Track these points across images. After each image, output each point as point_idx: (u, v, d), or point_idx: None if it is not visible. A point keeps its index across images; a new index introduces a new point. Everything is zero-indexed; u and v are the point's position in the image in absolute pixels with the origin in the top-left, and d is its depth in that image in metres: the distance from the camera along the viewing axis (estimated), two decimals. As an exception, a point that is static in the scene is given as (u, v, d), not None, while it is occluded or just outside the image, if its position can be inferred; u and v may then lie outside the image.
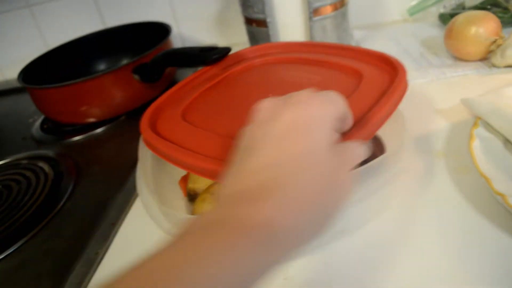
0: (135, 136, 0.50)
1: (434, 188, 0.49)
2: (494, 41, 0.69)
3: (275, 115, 0.29)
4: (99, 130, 0.81)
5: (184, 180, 0.53)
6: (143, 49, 0.80)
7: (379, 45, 0.88)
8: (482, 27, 0.69)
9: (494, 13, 0.74)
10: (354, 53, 0.54)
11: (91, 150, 0.76)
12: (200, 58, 0.63)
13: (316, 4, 0.72)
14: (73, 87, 0.76)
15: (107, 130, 0.81)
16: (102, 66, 1.02)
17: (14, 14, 1.12)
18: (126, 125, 0.81)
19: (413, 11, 0.96)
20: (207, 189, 0.49)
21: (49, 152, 0.75)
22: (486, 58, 0.72)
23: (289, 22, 0.75)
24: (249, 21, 0.79)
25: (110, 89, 0.79)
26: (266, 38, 0.77)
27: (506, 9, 0.83)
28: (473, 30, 0.70)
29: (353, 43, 0.90)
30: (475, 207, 0.45)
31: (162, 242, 0.23)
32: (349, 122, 0.34)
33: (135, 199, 0.58)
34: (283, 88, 0.51)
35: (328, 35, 0.76)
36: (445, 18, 0.89)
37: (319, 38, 0.75)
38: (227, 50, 0.62)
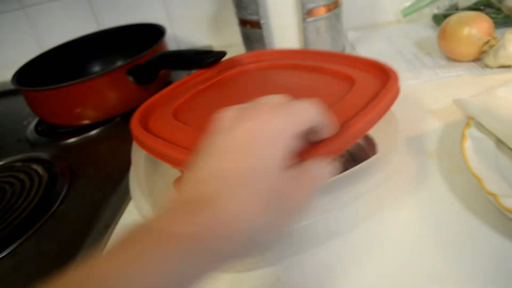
0: (130, 138, 0.50)
1: (427, 188, 0.49)
2: (487, 42, 0.69)
3: (230, 128, 0.29)
4: (93, 132, 0.81)
5: (179, 181, 0.53)
6: (138, 51, 0.80)
7: (373, 46, 0.89)
8: (475, 28, 0.70)
9: (487, 14, 0.74)
10: (348, 60, 0.54)
11: (86, 152, 0.76)
12: (195, 61, 0.63)
13: (310, 6, 0.72)
14: (68, 89, 0.75)
15: (102, 132, 0.81)
16: (96, 68, 1.02)
17: (9, 16, 1.12)
18: (120, 127, 0.81)
19: (407, 12, 0.96)
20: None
21: (44, 154, 0.75)
22: (479, 58, 0.73)
23: (282, 23, 0.75)
24: (243, 23, 0.80)
25: (104, 91, 0.79)
26: (260, 39, 0.77)
27: (499, 10, 0.83)
28: (466, 31, 0.70)
29: (347, 44, 0.90)
30: (467, 207, 0.45)
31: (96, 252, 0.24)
32: (327, 130, 0.34)
33: (129, 201, 0.58)
34: (275, 93, 0.51)
35: (322, 36, 0.76)
36: (439, 19, 0.89)
37: (313, 39, 0.76)
38: (222, 54, 0.62)
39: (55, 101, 0.78)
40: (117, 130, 0.80)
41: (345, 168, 0.42)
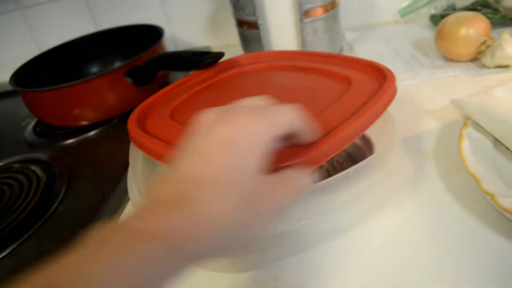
0: (128, 138, 0.50)
1: (424, 188, 0.49)
2: (484, 42, 0.69)
3: (208, 130, 0.29)
4: (91, 133, 0.81)
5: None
6: (136, 52, 0.80)
7: (370, 47, 0.89)
8: (472, 28, 0.70)
9: (484, 14, 0.74)
10: (345, 61, 0.54)
11: (84, 153, 0.76)
12: (193, 62, 0.63)
13: (307, 6, 0.72)
14: (66, 90, 0.75)
15: (100, 133, 0.81)
16: (94, 69, 1.02)
17: (6, 17, 1.12)
18: (118, 128, 0.81)
19: (404, 13, 0.96)
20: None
21: (42, 156, 0.75)
22: (476, 58, 0.73)
23: (280, 24, 0.75)
24: (240, 24, 0.80)
25: (102, 92, 0.79)
26: (258, 40, 0.77)
27: (496, 10, 0.84)
28: (463, 31, 0.70)
29: (345, 45, 0.90)
30: (465, 207, 0.45)
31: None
32: (308, 136, 0.34)
33: (127, 202, 0.58)
34: (272, 93, 0.51)
35: (319, 37, 0.76)
36: (436, 19, 0.89)
37: (310, 40, 0.76)
38: (220, 55, 0.62)
39: (53, 102, 0.78)
40: (115, 131, 0.80)
41: (343, 168, 0.42)
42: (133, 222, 0.25)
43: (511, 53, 0.66)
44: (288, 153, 0.34)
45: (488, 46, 0.69)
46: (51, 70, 0.93)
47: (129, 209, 0.57)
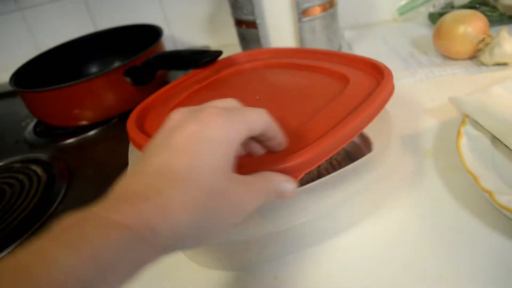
0: (127, 138, 0.51)
1: (423, 186, 0.49)
2: (482, 40, 0.69)
3: (178, 127, 0.30)
4: (91, 133, 0.81)
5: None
6: (135, 52, 0.80)
7: (369, 45, 0.89)
8: (470, 26, 0.70)
9: (483, 12, 0.75)
10: (342, 58, 0.54)
11: (84, 152, 0.76)
12: (192, 60, 0.63)
13: (305, 5, 0.72)
14: (65, 90, 0.76)
15: (100, 133, 0.81)
16: (94, 69, 1.02)
17: (5, 18, 1.12)
18: (118, 127, 0.81)
19: (402, 11, 0.96)
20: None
21: (42, 155, 0.75)
22: (474, 56, 0.73)
23: (278, 23, 0.75)
24: (239, 23, 0.80)
25: (102, 92, 0.79)
26: (256, 39, 0.77)
27: (494, 7, 0.84)
28: (461, 29, 0.71)
29: (343, 44, 0.91)
30: (464, 205, 0.45)
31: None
32: (277, 141, 0.34)
33: (127, 201, 0.58)
34: (270, 91, 0.52)
35: (317, 36, 0.77)
36: (435, 18, 0.89)
37: (309, 39, 0.76)
38: (218, 53, 0.62)
39: (53, 102, 0.78)
40: (115, 131, 0.81)
41: (341, 166, 0.42)
42: (102, 211, 0.25)
43: (509, 51, 0.66)
44: (282, 155, 0.35)
45: (486, 44, 0.69)
46: (51, 70, 0.94)
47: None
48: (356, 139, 0.51)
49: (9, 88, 0.82)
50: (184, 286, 0.44)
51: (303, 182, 0.42)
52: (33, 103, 0.83)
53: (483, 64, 0.70)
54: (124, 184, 0.28)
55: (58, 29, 1.11)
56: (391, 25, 0.98)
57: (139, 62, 0.77)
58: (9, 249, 0.54)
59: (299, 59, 0.58)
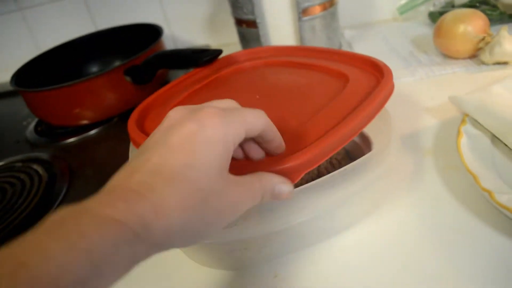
0: (128, 138, 0.51)
1: (423, 185, 0.49)
2: (483, 39, 0.69)
3: (176, 125, 0.30)
4: (92, 132, 0.81)
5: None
6: (135, 51, 0.80)
7: (369, 45, 0.89)
8: (470, 25, 0.70)
9: (483, 10, 0.75)
10: (342, 57, 0.54)
11: (85, 152, 0.76)
12: (192, 59, 0.63)
13: (305, 4, 0.72)
14: (66, 89, 0.76)
15: (100, 132, 0.81)
16: (94, 68, 1.02)
17: (6, 18, 1.12)
18: (118, 126, 0.81)
19: (403, 10, 0.96)
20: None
21: (43, 155, 0.76)
22: (475, 55, 0.73)
23: (278, 22, 0.75)
24: (239, 22, 0.80)
25: (102, 91, 0.79)
26: (256, 38, 0.77)
27: (494, 6, 0.84)
28: (461, 28, 0.71)
29: (343, 43, 0.91)
30: (464, 204, 0.45)
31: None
32: (274, 144, 0.34)
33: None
34: (270, 91, 0.52)
35: (317, 35, 0.77)
36: (435, 17, 0.89)
37: (309, 38, 0.76)
38: (218, 52, 0.62)
39: (54, 101, 0.79)
40: (115, 130, 0.81)
41: (341, 166, 0.42)
42: (97, 206, 0.25)
43: (509, 50, 0.66)
44: (281, 156, 0.35)
45: (486, 43, 0.69)
46: (51, 70, 0.94)
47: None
48: (356, 138, 0.51)
49: (10, 87, 0.82)
50: (184, 285, 0.44)
51: (303, 182, 0.42)
52: (34, 103, 0.83)
53: (483, 63, 0.70)
54: (120, 180, 0.28)
55: (58, 29, 1.12)
56: (391, 24, 0.98)
57: (139, 62, 0.77)
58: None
59: (299, 57, 0.58)
